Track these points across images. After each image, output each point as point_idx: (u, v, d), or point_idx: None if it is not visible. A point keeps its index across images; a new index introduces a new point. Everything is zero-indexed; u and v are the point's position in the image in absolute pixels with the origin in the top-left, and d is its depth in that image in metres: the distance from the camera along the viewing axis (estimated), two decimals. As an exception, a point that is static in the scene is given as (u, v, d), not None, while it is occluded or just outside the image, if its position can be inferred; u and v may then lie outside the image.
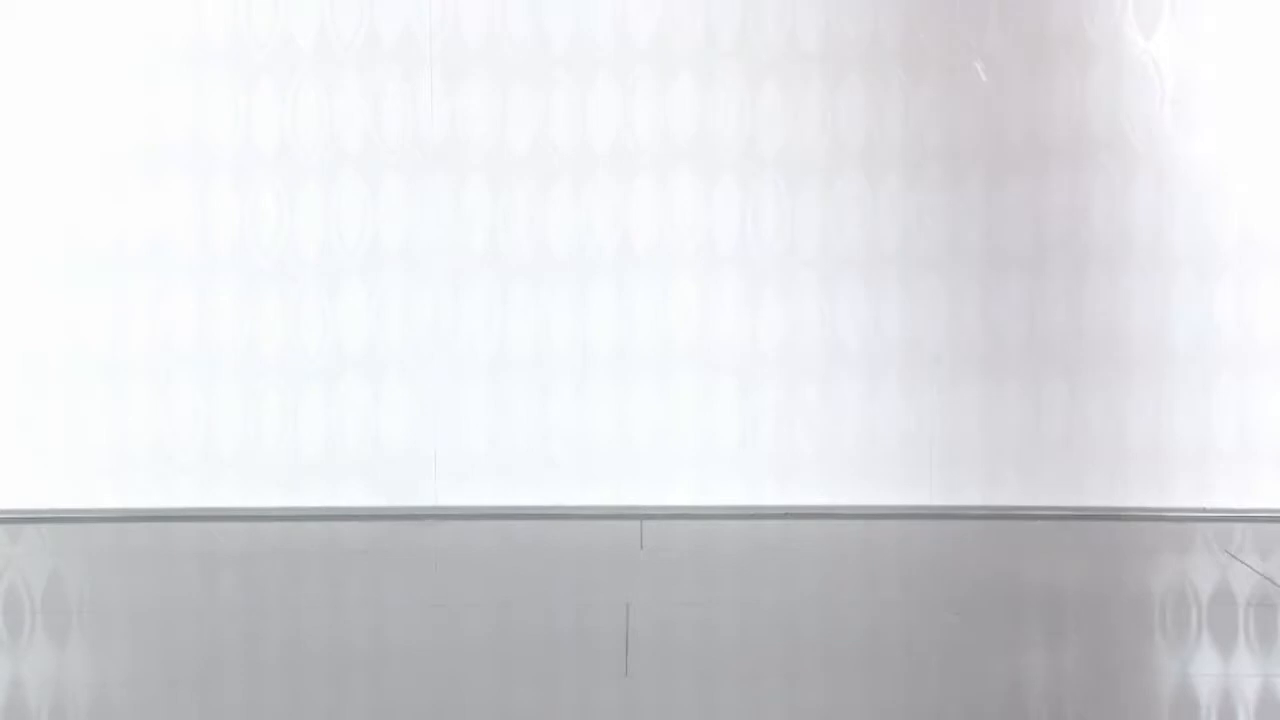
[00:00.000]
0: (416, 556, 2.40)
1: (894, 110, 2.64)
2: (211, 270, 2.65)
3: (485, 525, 2.58)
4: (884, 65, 2.63)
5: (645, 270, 2.66)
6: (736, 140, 2.65)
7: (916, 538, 2.41)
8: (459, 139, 2.65)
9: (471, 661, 1.88)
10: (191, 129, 2.64)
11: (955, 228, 2.60)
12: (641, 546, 2.34)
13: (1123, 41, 2.64)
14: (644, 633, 1.93)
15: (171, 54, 2.63)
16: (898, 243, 2.65)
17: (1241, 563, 2.30)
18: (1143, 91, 2.64)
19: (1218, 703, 1.75)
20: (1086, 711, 1.72)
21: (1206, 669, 1.86)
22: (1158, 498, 2.62)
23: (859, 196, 2.63)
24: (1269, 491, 2.65)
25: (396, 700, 1.72)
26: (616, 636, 1.92)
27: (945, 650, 1.91)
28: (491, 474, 2.67)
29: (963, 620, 1.99)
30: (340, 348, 2.66)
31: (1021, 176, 2.64)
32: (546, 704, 1.75)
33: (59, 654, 1.95)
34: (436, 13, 2.64)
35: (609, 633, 1.94)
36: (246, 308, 2.65)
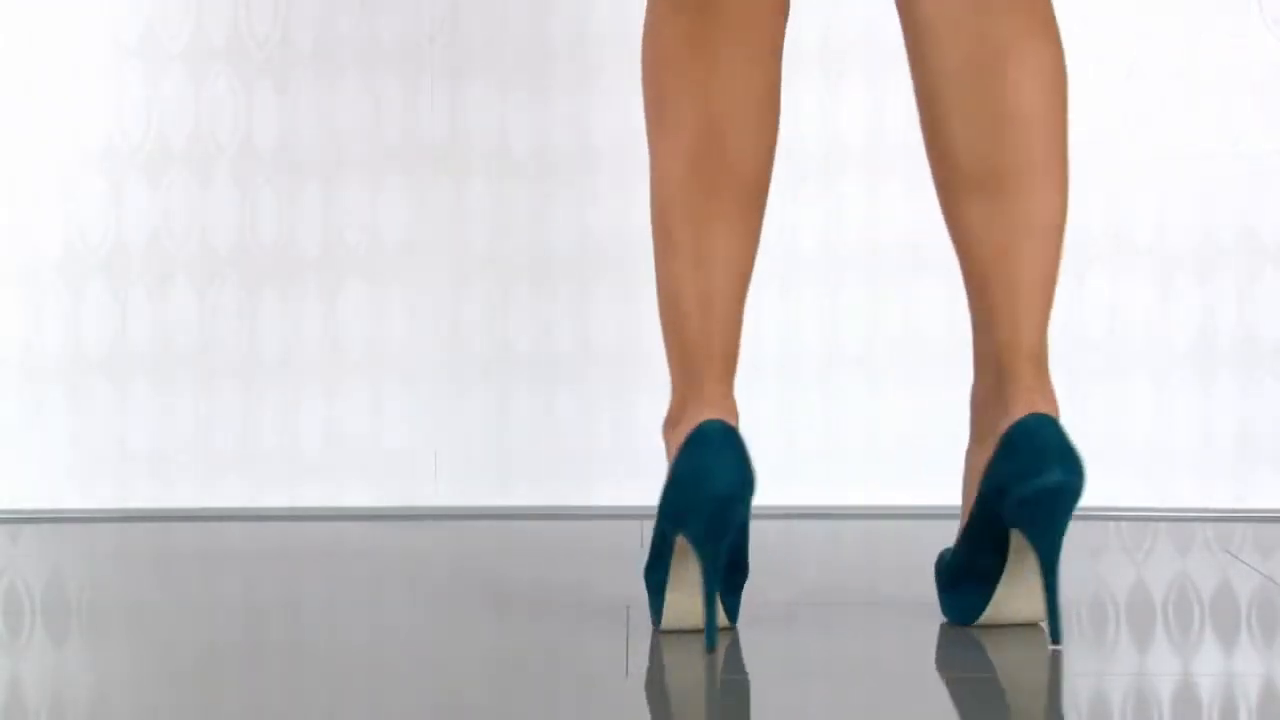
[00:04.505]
0: (416, 557, 2.40)
1: (894, 109, 2.64)
2: (212, 270, 2.65)
3: (485, 525, 2.59)
4: (884, 65, 2.63)
5: (646, 270, 2.65)
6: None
7: (919, 537, 2.41)
8: (459, 139, 2.65)
9: (470, 663, 1.88)
10: (192, 128, 2.64)
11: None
12: (642, 546, 2.33)
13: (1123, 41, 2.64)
14: (644, 634, 1.93)
15: (170, 53, 2.64)
16: (898, 242, 2.65)
17: (1242, 562, 2.30)
18: (1143, 90, 2.64)
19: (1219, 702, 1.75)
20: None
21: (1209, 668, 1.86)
22: (1159, 498, 2.62)
23: (859, 195, 2.63)
24: (1269, 491, 2.65)
25: (394, 704, 1.72)
26: (617, 637, 1.92)
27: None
28: (491, 474, 2.67)
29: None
30: (340, 348, 2.66)
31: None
32: (546, 706, 1.75)
33: (58, 654, 1.95)
34: (438, 13, 2.64)
35: (609, 634, 1.94)
36: (246, 308, 2.65)
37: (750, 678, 1.83)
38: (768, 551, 1.94)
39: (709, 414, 1.84)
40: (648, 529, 2.45)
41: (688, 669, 1.81)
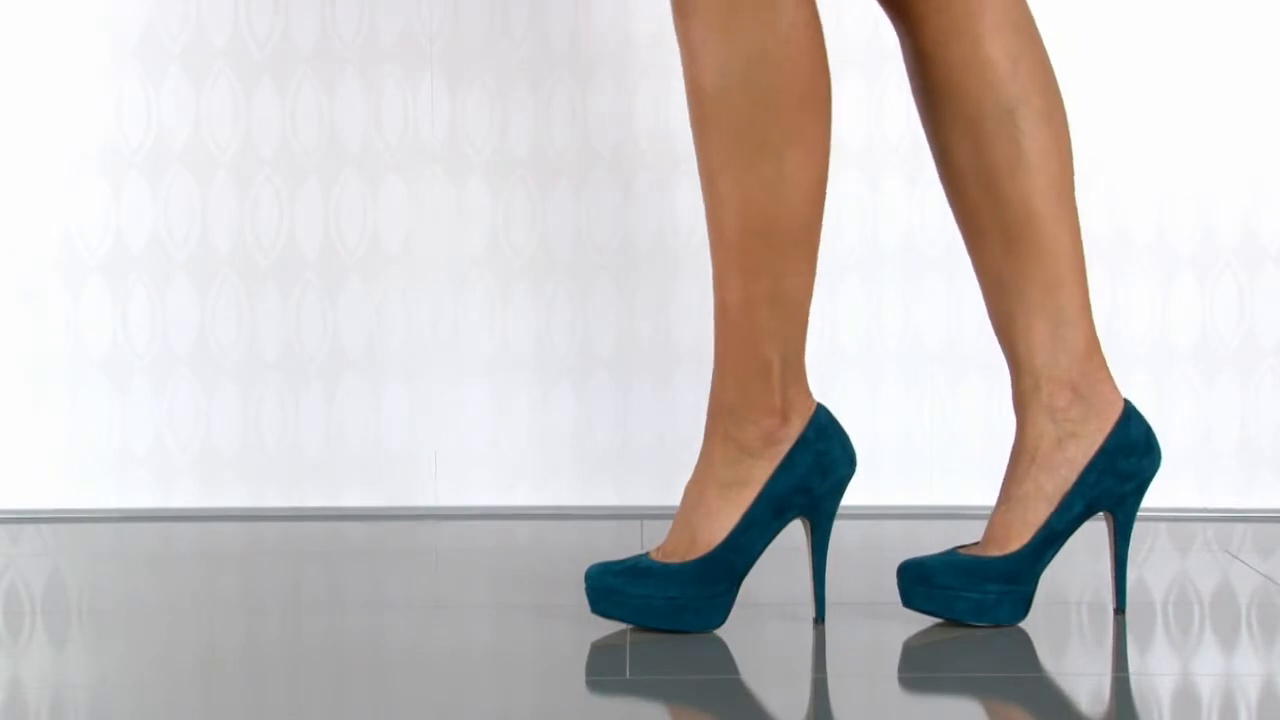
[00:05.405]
0: (416, 557, 2.41)
1: (894, 109, 2.64)
2: (211, 270, 2.65)
3: (485, 525, 2.59)
4: (884, 65, 2.63)
5: (646, 271, 2.66)
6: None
7: (919, 537, 2.42)
8: (459, 139, 2.65)
9: (470, 663, 1.88)
10: (192, 128, 2.64)
11: (952, 225, 2.60)
12: (641, 546, 2.34)
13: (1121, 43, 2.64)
14: (645, 634, 1.93)
15: (170, 53, 2.64)
16: (898, 242, 2.66)
17: (1242, 562, 2.30)
18: (1141, 89, 2.64)
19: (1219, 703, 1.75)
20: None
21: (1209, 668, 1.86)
22: (1159, 498, 2.62)
23: (859, 195, 2.64)
24: (1269, 491, 2.65)
25: (394, 705, 1.72)
26: (617, 637, 1.92)
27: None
28: (491, 474, 2.67)
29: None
30: (340, 348, 2.66)
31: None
32: (546, 707, 1.75)
33: (58, 654, 1.95)
34: (438, 13, 2.64)
35: (609, 634, 1.94)
36: (246, 308, 2.66)
37: (750, 678, 1.83)
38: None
39: (813, 402, 1.95)
40: (648, 529, 2.45)
41: (688, 669, 1.81)
